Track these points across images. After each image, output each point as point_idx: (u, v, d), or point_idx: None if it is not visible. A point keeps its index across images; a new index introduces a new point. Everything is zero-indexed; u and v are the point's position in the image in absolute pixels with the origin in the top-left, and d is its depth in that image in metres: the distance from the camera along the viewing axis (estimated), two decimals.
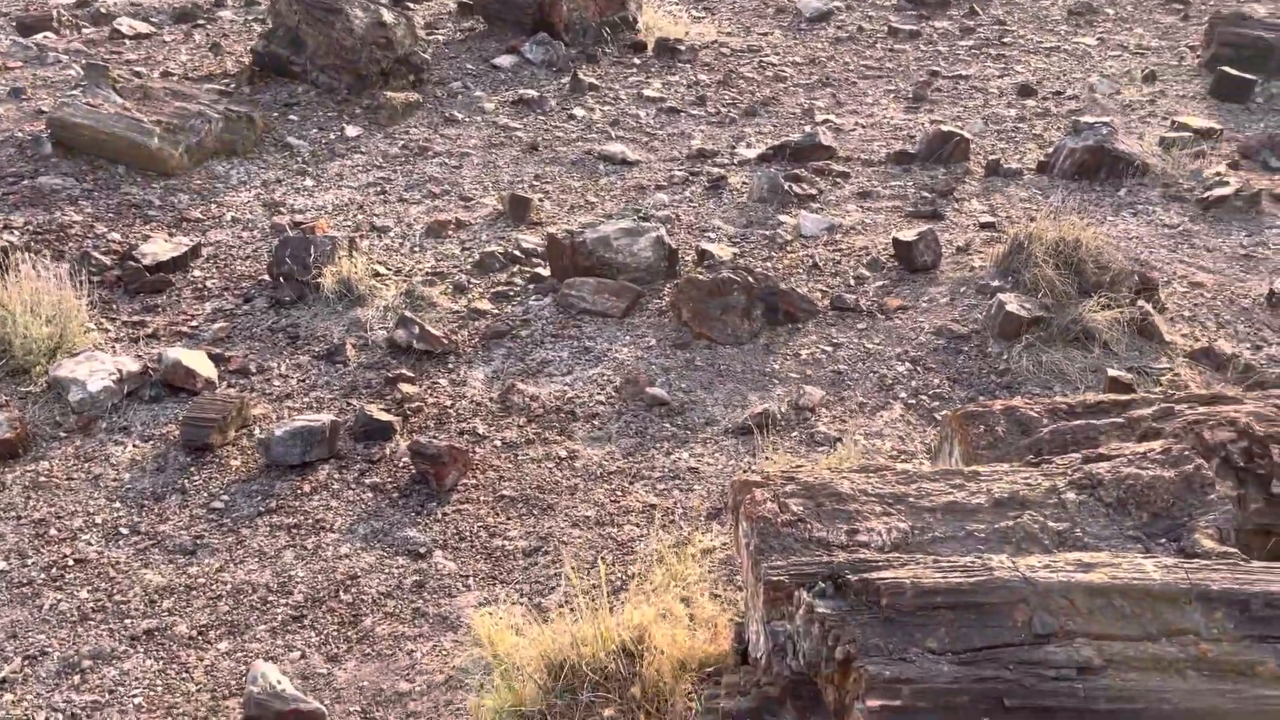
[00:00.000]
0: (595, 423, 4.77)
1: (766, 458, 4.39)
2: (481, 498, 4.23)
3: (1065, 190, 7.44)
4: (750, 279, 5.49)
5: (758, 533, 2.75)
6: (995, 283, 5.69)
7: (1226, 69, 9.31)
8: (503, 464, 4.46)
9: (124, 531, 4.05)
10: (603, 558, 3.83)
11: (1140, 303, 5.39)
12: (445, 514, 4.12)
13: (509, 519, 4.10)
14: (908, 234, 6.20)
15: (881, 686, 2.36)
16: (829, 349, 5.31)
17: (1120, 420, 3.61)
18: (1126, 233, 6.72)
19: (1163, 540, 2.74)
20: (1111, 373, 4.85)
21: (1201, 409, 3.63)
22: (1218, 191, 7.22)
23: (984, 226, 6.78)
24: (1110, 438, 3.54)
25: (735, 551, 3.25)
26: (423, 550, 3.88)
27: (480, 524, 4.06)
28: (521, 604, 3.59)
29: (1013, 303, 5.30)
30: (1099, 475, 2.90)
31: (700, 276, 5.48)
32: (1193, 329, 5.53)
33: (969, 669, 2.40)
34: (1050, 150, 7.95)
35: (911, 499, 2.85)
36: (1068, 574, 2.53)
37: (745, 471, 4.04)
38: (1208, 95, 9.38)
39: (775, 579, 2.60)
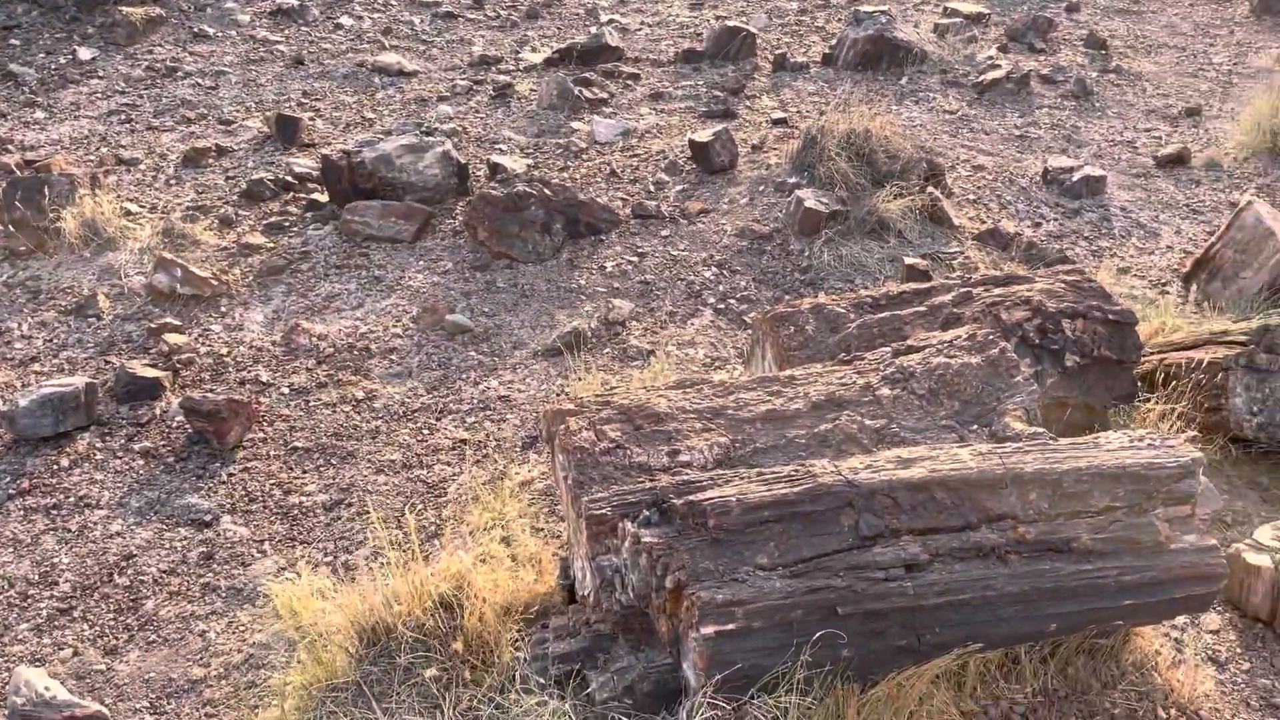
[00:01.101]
0: (393, 358, 4.43)
1: (579, 379, 4.20)
2: (271, 452, 3.85)
3: (851, 81, 7.48)
4: (548, 192, 5.21)
5: (575, 465, 2.56)
6: (792, 179, 5.64)
7: None
8: (293, 413, 4.08)
9: None
10: (412, 504, 3.56)
11: (929, 189, 5.47)
12: (231, 475, 3.73)
13: (305, 472, 3.75)
14: (703, 135, 6.05)
15: (715, 611, 2.24)
16: (635, 259, 5.14)
17: (923, 309, 3.61)
18: (911, 120, 6.81)
19: (975, 427, 2.73)
20: (908, 260, 4.89)
21: (997, 290, 3.68)
22: (990, 75, 7.43)
23: (776, 123, 6.72)
24: (915, 327, 3.53)
25: (554, 482, 3.06)
26: (208, 518, 3.50)
27: (272, 481, 3.69)
28: (326, 565, 3.29)
29: (810, 199, 5.26)
30: (910, 368, 2.85)
31: (494, 192, 5.16)
32: (978, 211, 5.67)
33: (800, 581, 2.31)
34: (834, 42, 7.96)
35: (730, 411, 2.73)
36: (889, 473, 2.47)
37: (558, 398, 3.84)
38: None
39: (598, 512, 2.42)
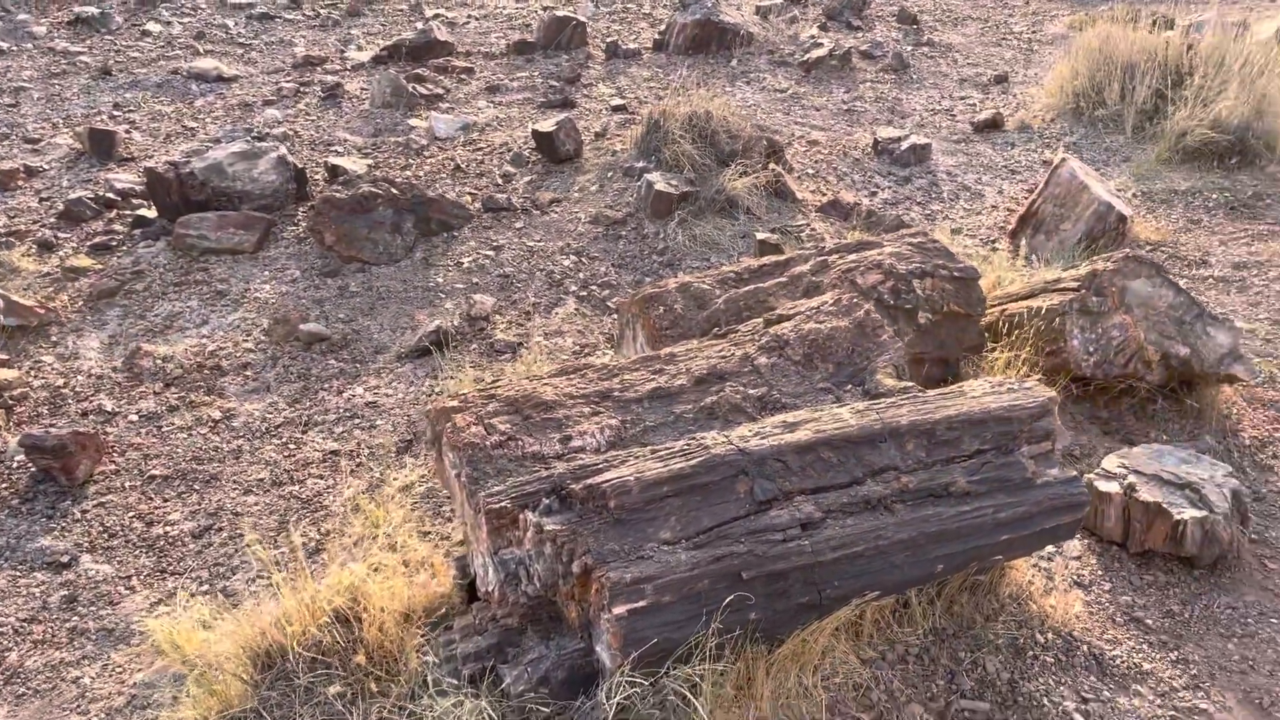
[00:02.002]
0: (248, 374, 4.25)
1: (449, 378, 4.14)
2: (127, 484, 3.63)
3: (684, 66, 7.60)
4: (395, 190, 5.09)
5: (467, 461, 2.53)
6: (639, 164, 5.69)
7: None
8: (145, 440, 3.86)
9: None
10: (288, 522, 3.43)
11: (772, 166, 5.63)
12: (85, 512, 3.50)
13: (166, 501, 3.56)
14: (546, 125, 6.03)
15: (624, 590, 2.26)
16: (491, 253, 5.08)
17: (784, 280, 3.72)
18: (745, 101, 6.99)
19: (849, 387, 2.83)
20: (760, 236, 5.03)
21: (851, 257, 3.82)
22: (815, 53, 7.69)
23: (616, 109, 6.76)
24: (779, 298, 3.64)
25: (441, 483, 3.01)
26: (65, 559, 3.27)
27: (132, 514, 3.49)
28: (203, 595, 3.14)
29: (660, 181, 5.33)
30: (784, 336, 2.94)
31: (339, 194, 5.00)
32: (818, 184, 5.87)
33: (704, 551, 2.36)
34: (663, 28, 8.07)
35: (617, 393, 2.74)
36: (777, 437, 2.54)
37: (440, 397, 3.77)
38: None
39: (497, 506, 2.40)
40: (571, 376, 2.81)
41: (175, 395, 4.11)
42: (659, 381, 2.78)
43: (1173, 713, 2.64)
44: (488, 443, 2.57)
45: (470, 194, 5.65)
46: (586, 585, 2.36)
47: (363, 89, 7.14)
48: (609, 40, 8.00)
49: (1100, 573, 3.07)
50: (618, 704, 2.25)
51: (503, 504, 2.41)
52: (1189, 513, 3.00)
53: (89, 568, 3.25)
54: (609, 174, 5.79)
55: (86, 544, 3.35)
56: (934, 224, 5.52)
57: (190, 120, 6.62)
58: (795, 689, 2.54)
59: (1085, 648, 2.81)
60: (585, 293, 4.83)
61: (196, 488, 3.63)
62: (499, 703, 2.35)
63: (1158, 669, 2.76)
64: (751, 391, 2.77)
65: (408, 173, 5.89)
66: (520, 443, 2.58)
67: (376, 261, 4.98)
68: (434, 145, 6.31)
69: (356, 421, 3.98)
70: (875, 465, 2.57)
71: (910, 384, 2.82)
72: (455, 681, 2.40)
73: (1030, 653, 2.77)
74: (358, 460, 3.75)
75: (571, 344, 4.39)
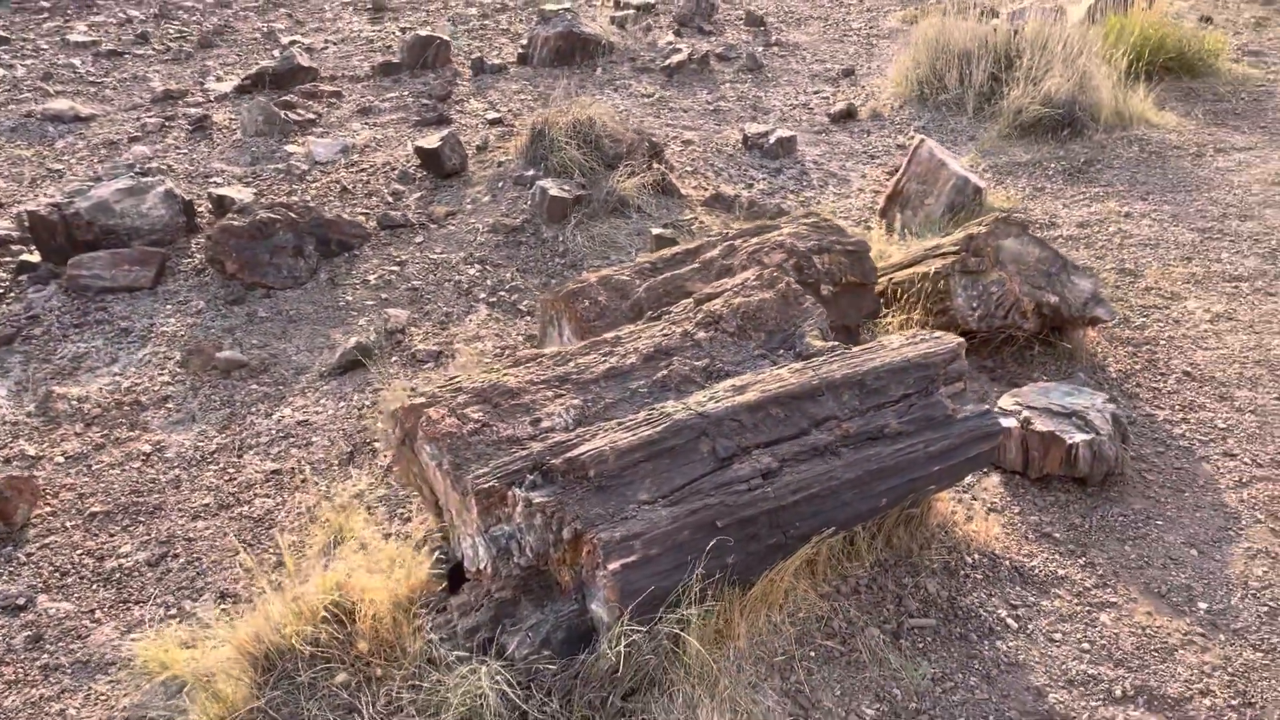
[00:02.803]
0: (170, 406, 4.24)
1: (377, 389, 4.23)
2: (69, 523, 3.60)
3: (551, 77, 7.82)
4: (293, 214, 5.13)
5: (448, 449, 2.68)
6: (529, 172, 5.88)
7: None
8: (77, 480, 3.82)
9: None
10: (245, 540, 3.48)
11: (655, 165, 5.91)
12: (30, 554, 3.45)
13: (113, 535, 3.54)
14: (430, 141, 6.15)
15: (616, 548, 2.46)
16: (396, 268, 5.18)
17: (697, 265, 3.99)
18: (616, 106, 7.26)
19: (781, 351, 3.11)
20: (655, 231, 5.29)
21: (754, 240, 4.12)
22: (675, 58, 8.03)
23: (493, 123, 6.93)
24: (694, 282, 3.91)
25: (407, 481, 3.13)
26: (21, 601, 3.23)
27: (80, 551, 3.46)
28: (171, 618, 3.17)
29: (553, 187, 5.53)
30: (717, 312, 3.20)
31: (236, 222, 5.01)
32: (698, 180, 6.18)
33: (680, 507, 2.58)
34: (525, 41, 8.27)
35: (575, 376, 2.94)
36: (729, 400, 2.79)
37: (389, 402, 3.88)
38: None
39: (485, 486, 2.57)
40: (528, 365, 3.00)
41: (98, 434, 4.07)
42: (611, 362, 2.99)
43: (1088, 607, 3.01)
44: (464, 431, 2.73)
45: (363, 214, 5.72)
46: (578, 549, 2.55)
47: (231, 119, 7.08)
48: (474, 57, 8.16)
49: (1009, 499, 3.44)
50: (619, 652, 2.45)
51: (491, 484, 2.58)
52: (1079, 437, 3.41)
53: (47, 607, 3.23)
54: (499, 184, 5.96)
55: (40, 584, 3.32)
56: (809, 209, 5.90)
57: (54, 162, 6.44)
58: (766, 626, 2.79)
59: (1007, 563, 3.16)
60: (495, 299, 4.98)
61: (141, 519, 3.63)
62: (507, 667, 2.51)
63: (1070, 574, 3.14)
64: (697, 363, 3.02)
65: (294, 198, 5.90)
66: (494, 428, 2.75)
67: (282, 286, 5.01)
68: (316, 169, 6.33)
69: (292, 440, 4.04)
70: (818, 416, 2.85)
71: (836, 343, 3.12)
72: (462, 653, 2.55)
73: (962, 572, 3.11)
74: (300, 477, 3.81)
75: (491, 348, 4.54)
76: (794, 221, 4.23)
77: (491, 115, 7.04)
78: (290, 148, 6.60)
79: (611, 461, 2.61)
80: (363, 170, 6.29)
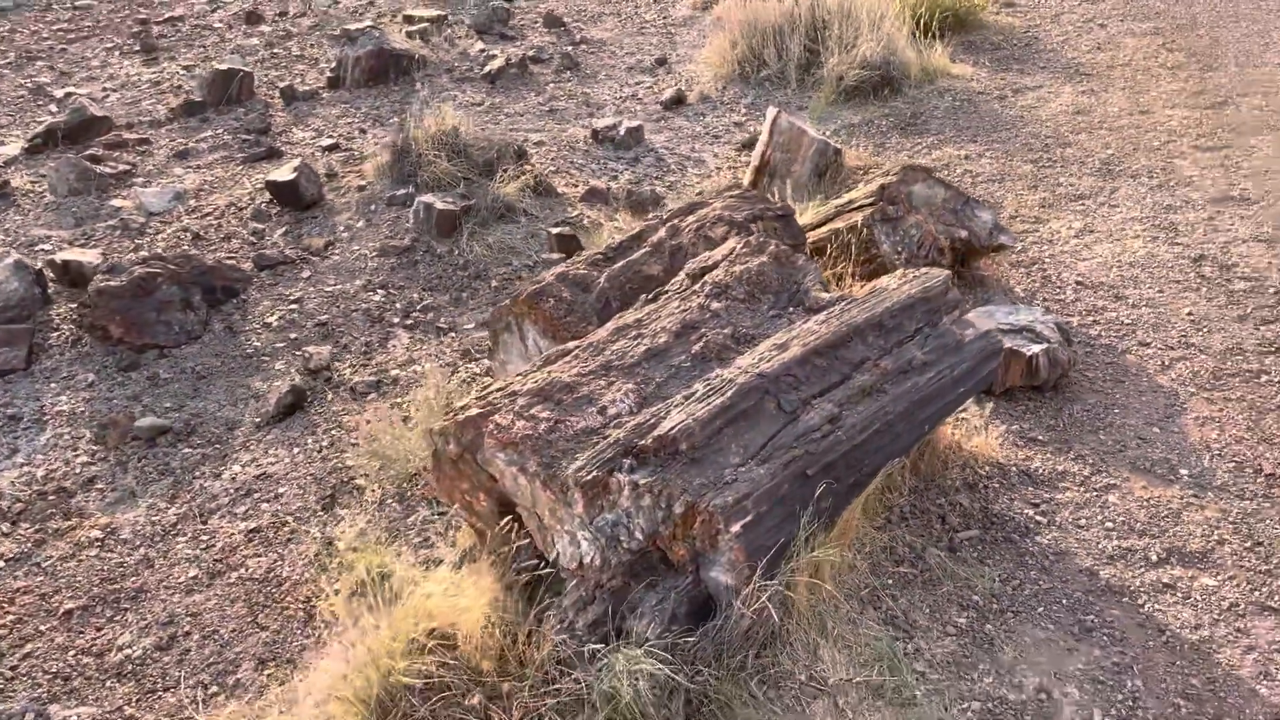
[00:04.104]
0: (101, 486, 3.86)
1: (330, 429, 4.03)
2: (43, 627, 3.22)
3: (370, 97, 7.60)
4: (172, 266, 4.76)
5: (531, 450, 2.64)
6: (402, 190, 5.72)
7: None
8: (31, 582, 3.41)
9: None
10: (257, 601, 3.24)
11: (526, 168, 5.90)
12: (14, 668, 3.06)
13: (102, 628, 3.20)
14: (282, 174, 5.86)
15: (733, 511, 2.52)
16: (294, 306, 4.91)
17: (648, 249, 4.06)
18: (451, 115, 7.16)
19: (792, 309, 3.25)
20: (554, 230, 5.29)
21: (690, 218, 4.24)
22: (492, 65, 8.00)
23: (329, 149, 6.67)
24: (652, 265, 3.98)
25: (453, 500, 3.02)
26: (31, 718, 2.87)
27: (73, 651, 3.11)
28: (216, 694, 2.92)
29: (437, 201, 5.41)
30: (722, 281, 3.29)
31: (112, 283, 4.59)
32: (565, 178, 6.22)
33: (773, 463, 2.67)
34: (334, 64, 7.98)
35: (617, 362, 2.96)
36: (776, 358, 2.90)
37: (452, 414, 3.73)
38: None
39: (589, 477, 2.55)
40: (566, 360, 2.98)
41: (31, 530, 3.65)
42: (646, 344, 3.02)
43: (1094, 493, 3.34)
44: (540, 430, 2.69)
45: (229, 257, 5.38)
46: (689, 522, 2.58)
47: (33, 182, 6.44)
48: (281, 86, 7.79)
49: (989, 416, 3.74)
50: (757, 609, 2.51)
51: (594, 474, 2.56)
52: (1036, 348, 3.75)
53: (65, 715, 2.89)
54: (371, 207, 5.76)
55: (45, 696, 2.97)
56: (678, 192, 6.09)
57: None
58: (843, 564, 2.93)
59: (1014, 470, 3.45)
60: (410, 321, 4.84)
61: (126, 606, 3.30)
62: (643, 648, 2.51)
63: (1069, 468, 3.46)
64: (724, 331, 3.10)
65: (143, 252, 5.46)
66: (567, 424, 2.72)
67: (176, 343, 4.65)
68: (154, 220, 5.89)
69: (257, 496, 3.78)
70: (854, 360, 3.01)
71: (841, 293, 3.28)
72: (594, 646, 2.52)
73: (982, 485, 3.36)
74: (289, 529, 3.59)
75: (430, 368, 4.41)
76: (721, 196, 4.37)
77: (325, 142, 6.78)
78: (116, 202, 6.10)
79: (698, 433, 2.66)
80: (208, 215, 5.90)
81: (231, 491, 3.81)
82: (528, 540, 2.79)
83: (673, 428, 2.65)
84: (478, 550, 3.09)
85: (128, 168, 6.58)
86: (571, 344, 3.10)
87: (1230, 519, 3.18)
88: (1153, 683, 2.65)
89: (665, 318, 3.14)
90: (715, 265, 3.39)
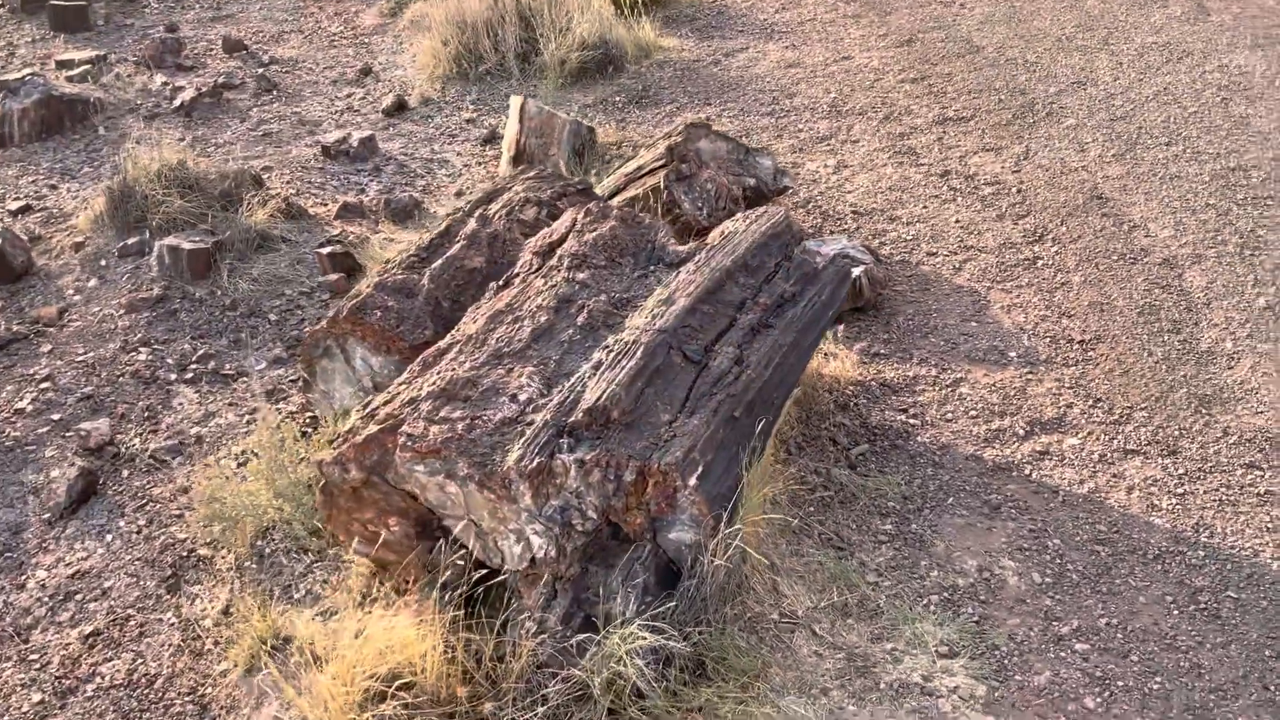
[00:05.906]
0: None
1: (141, 507, 3.53)
2: None
3: (51, 149, 6.73)
4: None
5: (458, 453, 2.44)
6: (135, 239, 5.09)
7: (56, 2, 9.07)
8: None
9: None
10: (132, 712, 2.77)
11: (272, 193, 5.45)
12: None
13: None
14: None
15: (685, 465, 2.47)
16: (45, 385, 4.24)
17: (464, 242, 3.87)
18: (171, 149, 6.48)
19: (654, 267, 3.22)
20: (323, 251, 4.93)
21: (496, 204, 4.11)
22: (183, 97, 7.33)
23: (20, 212, 5.83)
24: (473, 256, 3.80)
25: (349, 533, 2.73)
26: None
27: None
28: None
29: (183, 242, 4.88)
30: (579, 252, 3.20)
31: None
32: (314, 198, 5.81)
33: (701, 413, 2.66)
34: None
35: (506, 350, 2.80)
36: (668, 312, 2.88)
37: (343, 439, 3.30)
38: (55, 31, 9.09)
39: (533, 465, 2.40)
40: (453, 356, 2.77)
41: None
42: (529, 325, 2.87)
43: (947, 388, 3.57)
44: (458, 431, 2.48)
45: None
46: (642, 487, 2.48)
47: None
48: None
49: (831, 341, 3.89)
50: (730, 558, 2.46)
51: (536, 461, 2.40)
52: (857, 270, 3.95)
53: None
54: (100, 262, 5.10)
55: None
56: (434, 195, 5.88)
57: None
58: (768, 501, 2.94)
59: (874, 384, 3.62)
60: (190, 374, 4.34)
61: None
62: (629, 627, 2.39)
63: (919, 372, 3.68)
64: (600, 298, 3.01)
65: None
66: (484, 418, 2.53)
67: None
68: None
69: (79, 597, 3.25)
70: (734, 301, 3.02)
71: (694, 243, 3.28)
72: (576, 639, 2.37)
73: (853, 403, 3.50)
74: (137, 625, 3.10)
75: (236, 415, 3.98)
76: (519, 180, 4.26)
77: (14, 205, 5.92)
78: None
79: (625, 398, 2.57)
80: None
81: (45, 600, 3.24)
82: (461, 553, 2.57)
83: (598, 398, 2.54)
84: (381, 586, 2.83)
85: None
86: (444, 343, 2.89)
87: (1067, 385, 3.51)
88: (1068, 538, 2.88)
89: (535, 297, 3.01)
90: (563, 239, 3.29)
